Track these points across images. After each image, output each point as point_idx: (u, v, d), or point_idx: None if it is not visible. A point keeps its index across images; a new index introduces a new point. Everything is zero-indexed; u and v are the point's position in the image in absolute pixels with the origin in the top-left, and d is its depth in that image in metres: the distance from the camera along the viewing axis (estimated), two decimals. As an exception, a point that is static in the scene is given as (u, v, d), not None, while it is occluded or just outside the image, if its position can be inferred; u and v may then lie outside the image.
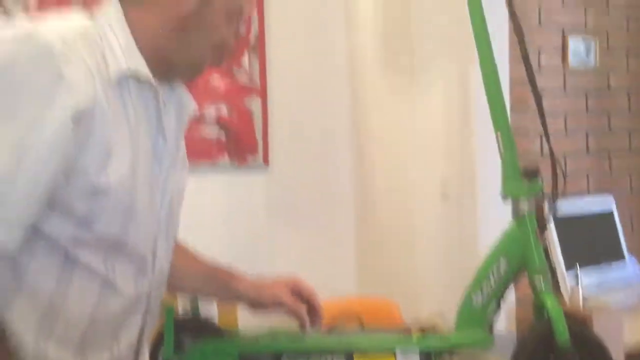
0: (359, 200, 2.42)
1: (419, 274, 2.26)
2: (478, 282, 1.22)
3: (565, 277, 2.24)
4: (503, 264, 1.21)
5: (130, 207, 0.84)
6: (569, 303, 2.20)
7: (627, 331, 2.13)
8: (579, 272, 2.20)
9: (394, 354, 1.16)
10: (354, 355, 1.17)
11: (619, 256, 2.48)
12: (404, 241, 2.34)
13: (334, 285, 2.24)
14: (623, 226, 2.54)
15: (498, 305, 1.24)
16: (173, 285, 1.22)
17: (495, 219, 1.28)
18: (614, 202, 2.53)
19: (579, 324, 1.18)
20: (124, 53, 0.84)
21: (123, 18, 0.85)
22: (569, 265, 2.24)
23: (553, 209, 1.28)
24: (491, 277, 1.22)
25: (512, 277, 1.23)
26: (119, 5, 0.87)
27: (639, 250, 2.67)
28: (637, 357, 2.11)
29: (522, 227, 1.22)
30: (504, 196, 1.26)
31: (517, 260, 1.21)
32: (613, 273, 2.42)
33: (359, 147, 2.41)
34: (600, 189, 2.61)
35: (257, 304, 1.17)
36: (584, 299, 2.18)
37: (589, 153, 2.61)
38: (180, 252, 1.20)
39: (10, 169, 0.72)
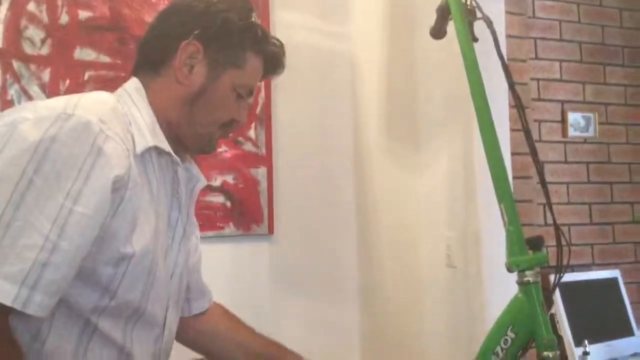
0: (363, 269, 2.41)
1: (425, 343, 2.23)
2: (486, 352, 1.21)
3: (573, 350, 2.20)
4: (511, 335, 1.20)
5: (150, 272, 0.87)
6: (578, 378, 2.16)
7: (638, 407, 2.08)
8: (587, 345, 2.17)
9: None
10: None
11: (628, 329, 2.44)
12: (410, 310, 2.31)
13: (338, 355, 2.20)
14: (630, 299, 2.51)
15: (507, 377, 1.22)
16: (226, 357, 1.25)
17: (501, 287, 1.28)
18: (619, 274, 2.52)
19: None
20: (149, 130, 0.89)
21: (145, 94, 0.90)
22: (577, 341, 2.21)
23: (559, 279, 1.27)
24: (499, 348, 1.20)
25: (520, 347, 1.21)
26: (139, 81, 0.91)
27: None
28: None
29: (529, 298, 1.21)
30: (509, 268, 1.26)
31: (525, 330, 1.20)
32: (622, 348, 2.38)
33: (363, 216, 2.42)
34: (605, 261, 2.60)
35: None
36: (594, 373, 2.14)
37: (592, 225, 2.61)
38: (234, 326, 1.23)
39: (54, 239, 0.76)
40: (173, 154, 0.92)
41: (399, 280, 2.36)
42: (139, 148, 0.87)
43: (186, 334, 1.21)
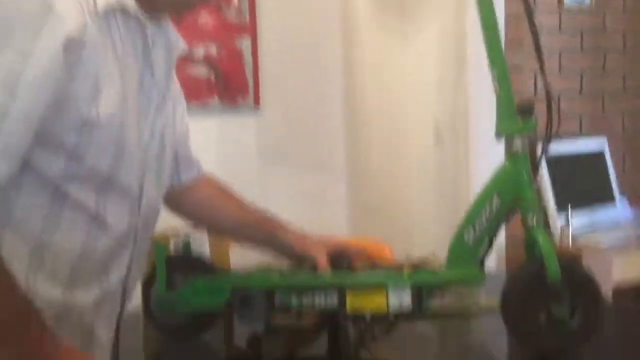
0: (350, 141, 2.40)
1: (412, 214, 2.27)
2: (470, 219, 1.22)
3: (556, 218, 2.26)
4: (496, 202, 1.21)
5: (120, 141, 0.82)
6: (559, 243, 2.23)
7: (615, 269, 2.17)
8: (569, 212, 2.22)
9: (386, 290, 1.17)
10: (346, 292, 1.18)
11: (610, 197, 2.50)
12: (397, 182, 2.34)
13: (325, 226, 2.24)
14: (615, 167, 2.54)
15: (490, 243, 1.24)
16: (216, 228, 1.31)
17: (488, 159, 1.27)
18: (606, 143, 2.53)
19: (570, 261, 1.19)
20: None
21: None
22: (561, 207, 2.25)
23: (546, 148, 1.26)
24: (483, 214, 1.21)
25: (504, 214, 1.22)
26: None
27: (630, 191, 2.68)
28: (624, 293, 2.16)
29: (516, 164, 1.21)
30: (498, 134, 1.24)
31: (510, 197, 1.21)
32: (603, 214, 2.44)
33: (351, 89, 2.37)
34: (593, 130, 2.60)
35: (300, 259, 1.21)
36: (574, 238, 2.21)
37: (583, 94, 2.59)
38: (225, 197, 1.25)
39: (4, 100, 0.71)
40: (138, 11, 0.86)
41: (386, 154, 2.36)
42: (101, 7, 0.80)
43: (181, 205, 1.22)
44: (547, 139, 1.28)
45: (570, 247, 2.17)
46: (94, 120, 0.78)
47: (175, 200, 1.20)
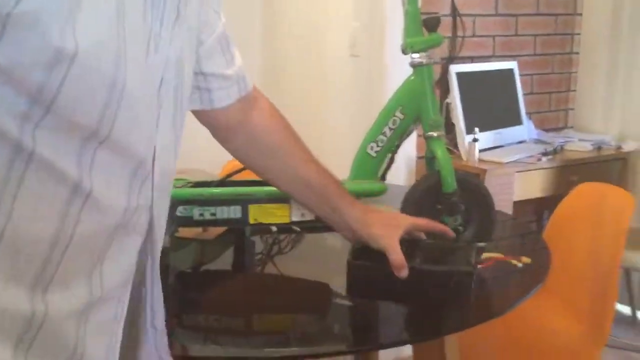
0: (268, 59, 2.36)
1: (329, 130, 2.28)
2: (373, 133, 1.24)
3: (464, 136, 2.33)
4: (399, 116, 1.22)
5: (114, 81, 0.55)
6: (465, 160, 2.31)
7: (517, 185, 2.29)
8: (477, 132, 2.30)
9: (289, 203, 1.18)
10: (249, 206, 1.19)
11: (517, 119, 2.59)
12: (314, 100, 2.33)
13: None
14: (523, 90, 2.63)
15: (392, 156, 1.26)
16: (267, 177, 1.08)
17: (403, 75, 1.27)
18: (516, 66, 2.60)
19: (465, 175, 1.23)
20: None
21: None
22: (469, 128, 2.32)
23: (449, 61, 1.28)
24: (387, 128, 1.23)
25: (406, 128, 1.24)
26: None
27: (537, 112, 2.80)
28: (522, 203, 2.31)
29: (419, 78, 1.22)
30: (404, 50, 1.24)
31: (412, 111, 1.22)
32: (510, 134, 2.54)
33: (269, 5, 2.31)
34: (505, 53, 2.66)
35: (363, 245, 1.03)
36: (480, 156, 2.30)
37: (497, 15, 2.62)
38: (289, 140, 1.04)
39: None
40: None
41: (303, 70, 2.34)
42: None
43: (224, 138, 1.02)
44: (452, 51, 1.30)
45: (475, 163, 2.26)
46: (70, 54, 0.51)
47: (215, 129, 0.99)
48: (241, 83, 0.97)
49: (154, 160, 0.63)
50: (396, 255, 0.98)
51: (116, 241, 0.61)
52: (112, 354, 0.64)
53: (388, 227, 1.02)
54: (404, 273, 0.98)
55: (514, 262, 1.13)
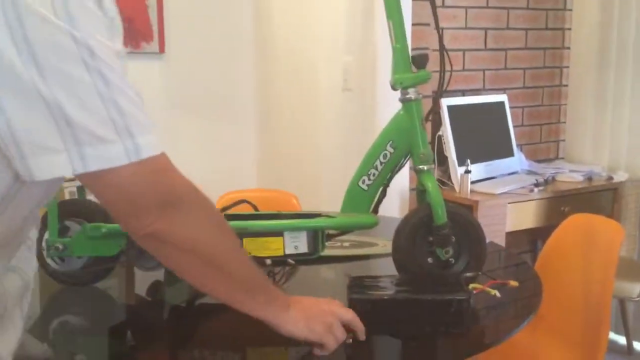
0: (260, 92, 2.40)
1: (319, 165, 2.31)
2: (365, 167, 1.26)
3: (456, 168, 2.36)
4: (389, 150, 1.25)
5: None
6: (458, 191, 2.34)
7: (509, 216, 2.31)
8: (469, 164, 2.33)
9: (282, 236, 1.20)
10: (243, 239, 1.20)
11: (508, 151, 2.63)
12: (306, 133, 2.36)
13: (234, 177, 2.25)
14: (514, 122, 2.67)
15: (384, 190, 1.28)
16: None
17: (394, 110, 1.30)
18: (506, 99, 2.64)
19: (458, 208, 1.25)
20: None
21: None
22: (461, 160, 2.35)
23: (439, 97, 1.31)
24: (378, 162, 1.25)
25: (397, 162, 1.27)
26: None
27: (528, 143, 2.84)
28: (516, 234, 2.32)
29: (408, 113, 1.25)
30: (393, 85, 1.27)
31: (403, 145, 1.25)
32: (502, 167, 2.57)
33: (261, 38, 2.35)
34: (495, 86, 2.71)
35: None
36: (473, 187, 2.32)
37: (487, 49, 2.68)
38: None
39: None
40: None
41: (296, 104, 2.38)
42: None
43: None
44: (440, 85, 1.33)
45: (468, 195, 2.28)
46: None
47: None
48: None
49: None
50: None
51: None
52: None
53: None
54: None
55: (493, 292, 1.15)
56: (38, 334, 1.06)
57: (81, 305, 1.24)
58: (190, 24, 2.11)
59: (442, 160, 2.37)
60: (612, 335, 2.58)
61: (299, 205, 2.03)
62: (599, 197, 2.55)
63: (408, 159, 1.27)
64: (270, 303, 0.91)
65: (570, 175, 2.57)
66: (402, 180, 2.29)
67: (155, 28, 1.99)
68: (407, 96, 1.25)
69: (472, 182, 2.33)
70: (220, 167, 2.13)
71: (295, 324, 0.92)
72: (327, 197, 2.19)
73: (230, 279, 0.86)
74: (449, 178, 2.38)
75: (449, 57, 1.33)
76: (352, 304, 1.03)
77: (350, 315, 0.97)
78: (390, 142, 1.25)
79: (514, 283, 1.19)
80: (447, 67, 1.33)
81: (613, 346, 2.53)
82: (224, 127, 2.26)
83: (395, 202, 2.27)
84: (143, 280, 1.28)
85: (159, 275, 1.29)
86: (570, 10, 2.83)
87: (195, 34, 2.12)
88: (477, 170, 2.41)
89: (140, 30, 1.97)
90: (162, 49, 2.02)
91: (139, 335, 1.11)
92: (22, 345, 0.84)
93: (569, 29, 2.84)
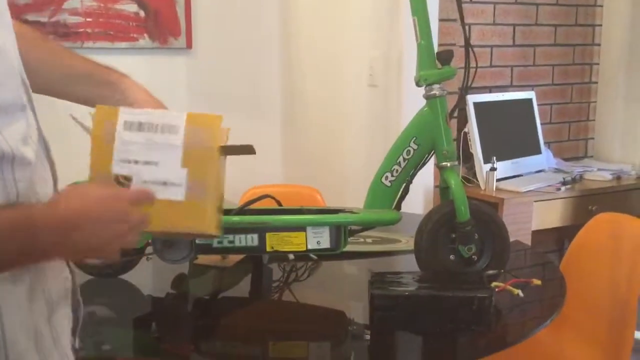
0: (285, 87, 2.41)
1: (344, 159, 2.31)
2: (388, 163, 1.26)
3: (482, 166, 2.34)
4: (413, 146, 1.25)
5: None
6: (483, 189, 2.32)
7: (535, 214, 2.28)
8: (495, 162, 2.31)
9: (305, 231, 1.21)
10: (267, 234, 1.21)
11: (536, 148, 2.60)
12: (331, 128, 2.36)
13: (259, 173, 2.27)
14: (542, 119, 2.64)
15: (407, 186, 1.28)
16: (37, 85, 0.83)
17: (419, 105, 1.30)
18: (534, 96, 2.61)
19: (481, 205, 1.25)
20: None
21: None
22: (487, 158, 2.33)
23: (464, 93, 1.31)
24: (401, 159, 1.26)
25: (421, 159, 1.27)
26: None
27: (556, 141, 2.80)
28: (543, 233, 2.29)
29: (432, 110, 1.24)
30: (418, 82, 1.27)
31: (426, 142, 1.25)
32: (528, 165, 2.54)
33: (286, 34, 2.36)
34: (523, 83, 2.68)
35: None
36: (499, 185, 2.30)
37: (515, 46, 2.65)
38: (47, 48, 0.94)
39: None
40: None
41: (321, 100, 2.38)
42: None
43: None
44: (465, 82, 1.32)
45: (493, 192, 2.26)
46: None
47: None
48: None
49: None
50: None
51: None
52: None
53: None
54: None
55: (516, 292, 1.14)
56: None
57: (107, 297, 1.27)
58: (218, 20, 2.13)
59: (468, 158, 2.35)
60: (638, 335, 2.54)
61: (323, 201, 2.03)
62: (628, 197, 2.50)
63: (432, 156, 1.27)
64: None
65: (598, 174, 2.53)
66: (427, 177, 2.28)
67: (182, 23, 2.01)
68: (432, 92, 1.25)
69: (498, 180, 2.30)
70: (245, 163, 2.14)
71: None
72: (351, 193, 2.19)
73: None
74: (474, 175, 2.36)
75: (474, 53, 1.32)
76: (373, 300, 1.03)
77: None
78: (414, 138, 1.25)
79: (536, 282, 1.18)
80: (472, 64, 1.32)
81: (638, 346, 2.49)
82: (249, 122, 2.28)
83: (420, 199, 2.26)
84: (168, 273, 1.30)
85: (184, 267, 1.31)
86: (601, 6, 2.78)
87: (222, 30, 2.13)
88: (503, 167, 2.38)
89: (167, 25, 1.99)
90: (189, 45, 2.04)
91: (163, 327, 1.13)
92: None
93: (600, 25, 2.80)
